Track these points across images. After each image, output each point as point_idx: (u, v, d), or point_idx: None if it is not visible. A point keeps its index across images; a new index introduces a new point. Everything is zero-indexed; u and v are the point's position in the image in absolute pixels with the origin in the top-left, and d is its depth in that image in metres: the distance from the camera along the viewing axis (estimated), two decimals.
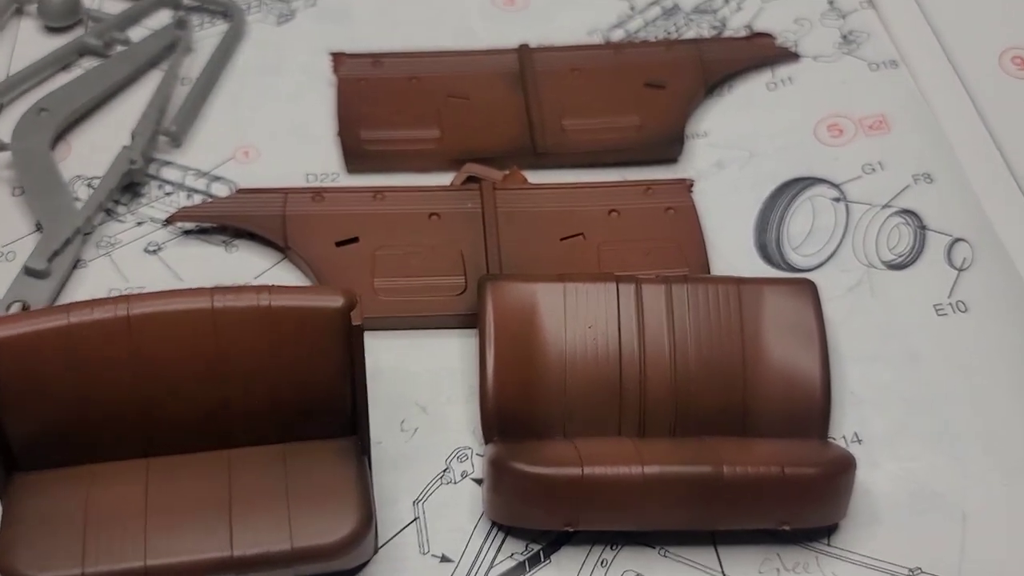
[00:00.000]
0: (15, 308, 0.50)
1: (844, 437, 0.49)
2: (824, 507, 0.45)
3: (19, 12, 0.63)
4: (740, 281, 0.50)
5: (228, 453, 0.44)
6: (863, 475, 0.48)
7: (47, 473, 0.44)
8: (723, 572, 0.46)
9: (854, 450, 0.49)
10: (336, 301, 0.43)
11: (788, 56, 0.62)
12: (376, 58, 0.61)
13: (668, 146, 0.58)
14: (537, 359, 0.48)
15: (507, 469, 0.44)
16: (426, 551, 0.46)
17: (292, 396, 0.44)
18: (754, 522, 0.45)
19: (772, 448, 0.46)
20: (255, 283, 0.53)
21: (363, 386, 0.44)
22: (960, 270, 0.54)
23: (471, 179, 0.57)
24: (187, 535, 0.42)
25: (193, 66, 0.61)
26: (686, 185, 0.56)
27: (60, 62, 0.60)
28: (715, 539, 0.47)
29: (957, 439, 0.49)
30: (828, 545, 0.47)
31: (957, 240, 0.54)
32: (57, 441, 0.43)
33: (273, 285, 0.43)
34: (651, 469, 0.44)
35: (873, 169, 0.57)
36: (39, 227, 0.53)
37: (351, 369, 0.44)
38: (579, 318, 0.49)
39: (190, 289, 0.43)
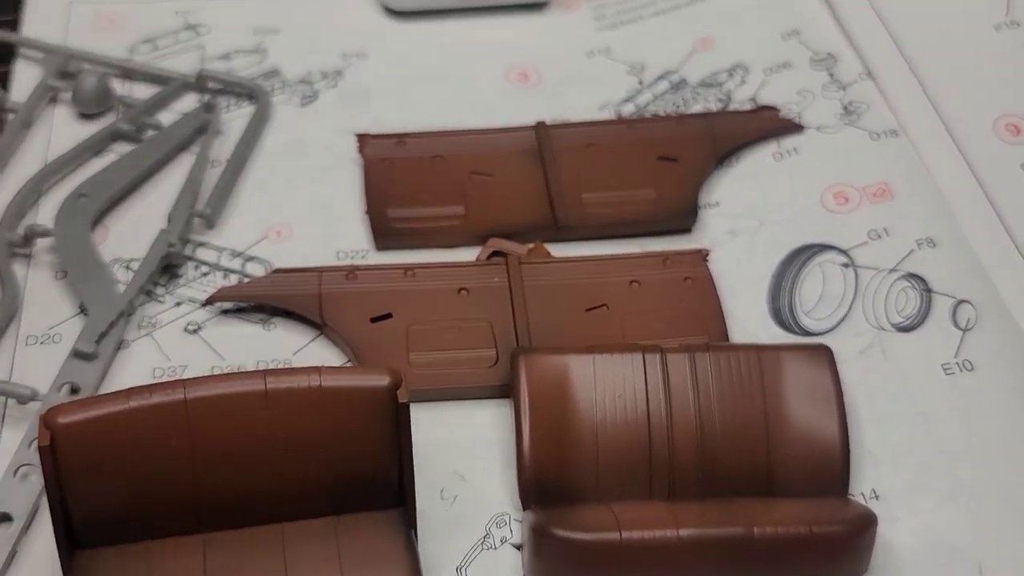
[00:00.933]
0: (65, 391, 0.52)
1: (863, 494, 0.52)
2: (849, 563, 0.48)
3: (53, 100, 0.66)
4: (759, 348, 0.53)
5: (282, 527, 0.46)
6: (882, 530, 0.50)
7: (108, 550, 0.45)
8: None
9: (873, 506, 0.51)
10: (383, 380, 0.46)
11: (792, 127, 0.65)
12: (400, 138, 0.63)
13: (683, 217, 0.61)
14: (570, 427, 0.50)
15: (549, 535, 0.47)
16: None
17: (342, 471, 0.46)
18: None
19: (797, 508, 0.49)
20: (294, 360, 0.55)
21: (410, 460, 0.46)
22: (965, 330, 0.56)
23: (496, 254, 0.59)
24: None
25: (222, 148, 0.64)
26: (702, 255, 0.59)
27: (95, 148, 0.63)
28: None
29: (972, 493, 0.51)
30: None
31: (961, 302, 0.57)
32: (117, 520, 0.45)
33: (323, 367, 0.46)
34: (686, 532, 0.46)
35: (879, 235, 0.60)
36: (83, 310, 0.56)
37: (398, 444, 0.46)
38: (608, 388, 0.51)
39: (244, 372, 0.46)
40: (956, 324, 0.56)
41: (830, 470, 0.51)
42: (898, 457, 0.53)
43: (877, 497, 0.52)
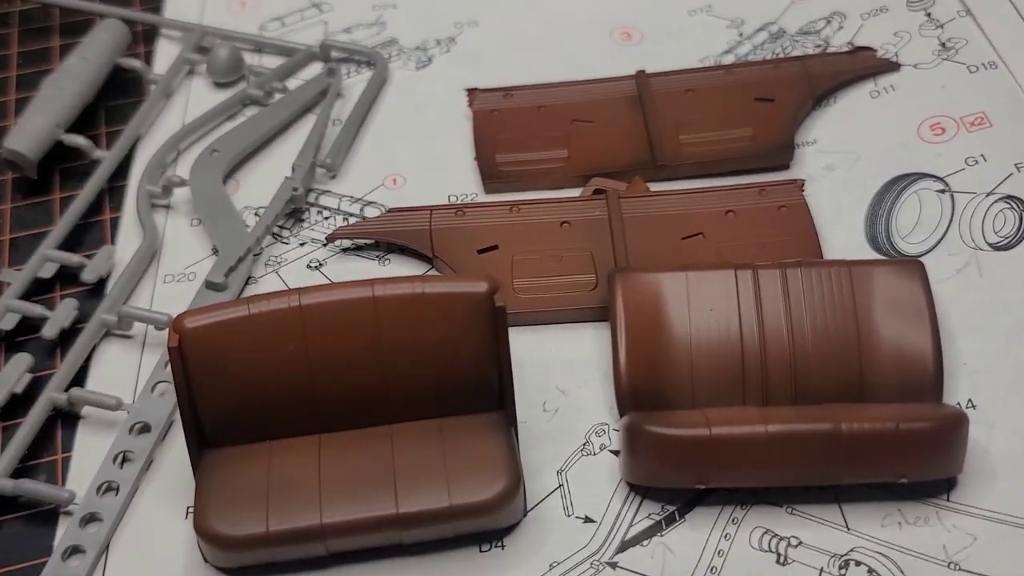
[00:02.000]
0: None
1: (959, 403, 0.52)
2: (939, 460, 0.49)
3: (191, 72, 0.71)
4: (851, 264, 0.54)
5: (391, 428, 0.50)
6: (979, 436, 0.51)
7: (233, 449, 0.50)
8: (847, 526, 0.49)
9: (970, 415, 0.51)
10: (481, 287, 0.49)
11: (889, 66, 0.66)
12: (507, 91, 0.67)
13: (780, 153, 0.63)
14: (664, 340, 0.53)
15: (642, 432, 0.49)
16: (570, 513, 0.50)
17: (445, 374, 0.50)
18: (873, 476, 0.49)
19: (887, 409, 0.50)
20: None
21: (508, 362, 0.49)
22: None
23: (598, 192, 0.62)
24: (357, 497, 0.47)
25: (343, 109, 0.68)
26: (797, 185, 0.60)
27: (227, 111, 0.68)
28: (838, 496, 0.50)
29: None
30: (948, 500, 0.49)
31: None
32: (240, 420, 0.49)
33: (426, 275, 0.49)
34: (774, 428, 0.48)
35: (976, 162, 0.61)
36: (215, 251, 0.60)
37: (496, 347, 0.49)
38: (701, 303, 0.53)
39: (353, 281, 0.49)
40: None
41: (922, 378, 0.52)
42: (993, 367, 0.53)
43: (973, 406, 0.52)
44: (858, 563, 0.48)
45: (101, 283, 0.60)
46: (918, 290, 0.53)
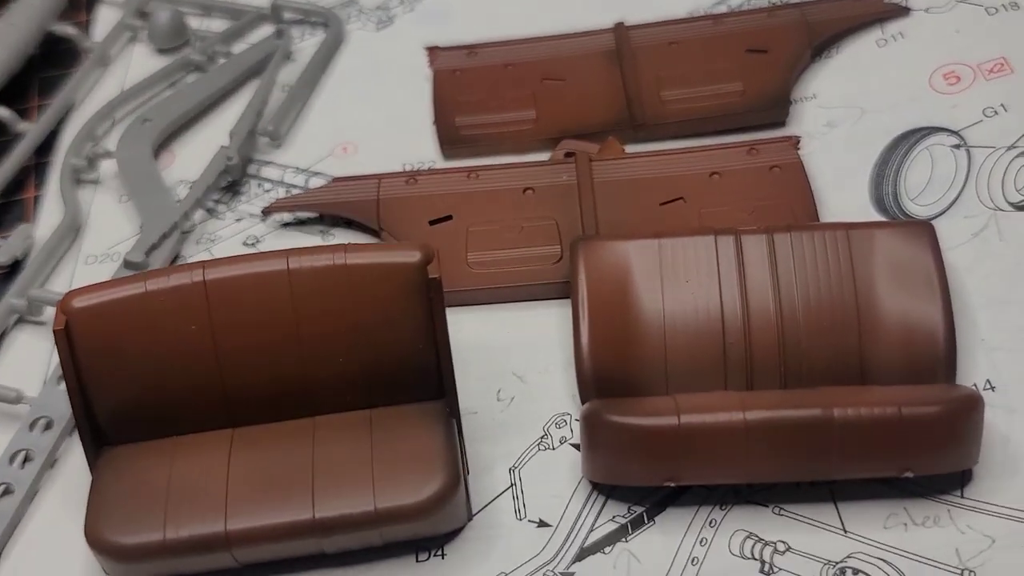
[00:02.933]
0: None
1: (975, 385, 0.45)
2: (950, 451, 0.41)
3: (133, 40, 0.65)
4: (849, 226, 0.47)
5: (313, 421, 0.44)
6: (998, 422, 0.44)
7: (133, 446, 0.43)
8: (844, 529, 0.42)
9: (988, 397, 0.45)
10: (413, 256, 0.42)
11: (898, 11, 0.59)
12: (471, 48, 0.61)
13: (774, 109, 0.56)
14: (634, 317, 0.46)
15: (602, 422, 0.42)
16: (523, 517, 0.44)
17: (374, 358, 0.43)
18: (873, 470, 0.42)
19: (889, 392, 0.43)
20: None
21: (446, 343, 0.43)
22: None
23: (569, 155, 0.55)
24: (268, 500, 0.41)
25: (292, 74, 0.62)
26: (792, 142, 0.54)
27: (167, 78, 0.62)
28: (834, 494, 0.43)
29: None
30: (961, 497, 0.42)
31: None
32: (141, 414, 0.43)
33: (349, 244, 0.43)
34: (754, 415, 0.41)
35: (995, 112, 0.53)
36: (142, 229, 0.54)
37: (433, 327, 0.43)
38: (676, 273, 0.46)
39: (266, 252, 0.43)
40: None
41: (932, 357, 0.44)
42: (1017, 344, 0.46)
43: (992, 388, 0.45)
44: (856, 571, 0.41)
45: (17, 265, 0.54)
46: (927, 255, 0.46)
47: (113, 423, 0.43)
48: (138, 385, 0.43)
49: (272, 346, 0.43)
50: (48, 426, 0.47)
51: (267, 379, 0.43)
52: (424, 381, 0.44)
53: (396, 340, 0.43)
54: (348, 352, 0.43)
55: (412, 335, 0.43)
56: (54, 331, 0.41)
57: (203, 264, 0.42)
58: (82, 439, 0.43)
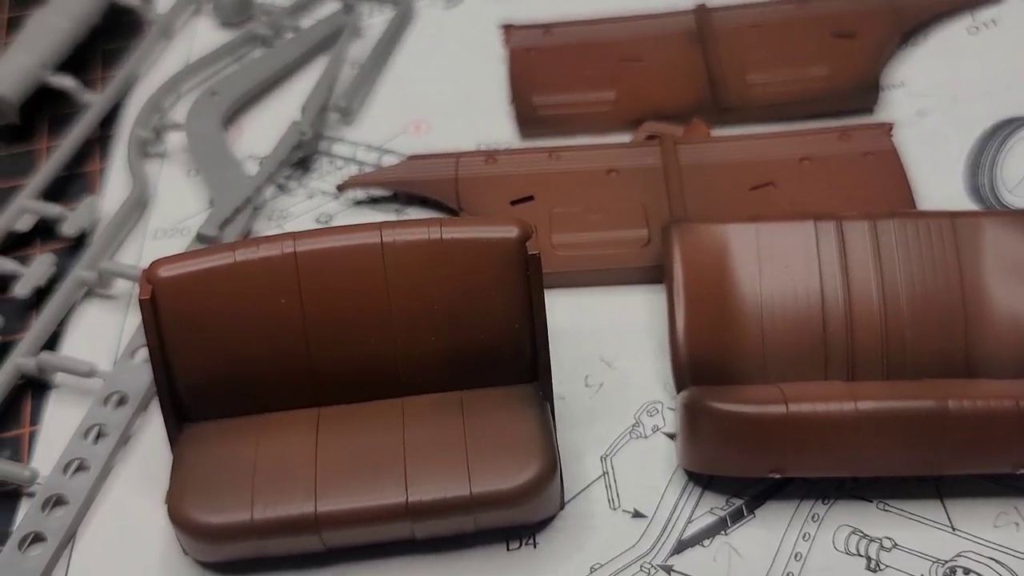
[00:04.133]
0: None
1: None
2: None
3: (197, 12, 0.64)
4: (953, 215, 0.45)
5: (402, 401, 0.42)
6: None
7: (217, 423, 0.42)
8: (952, 527, 0.41)
9: None
10: (511, 231, 0.41)
11: None
12: (547, 28, 0.59)
13: (862, 95, 0.54)
14: (731, 304, 0.44)
15: (705, 409, 0.40)
16: (616, 507, 0.42)
17: (468, 337, 0.42)
18: (986, 465, 0.40)
19: (1003, 385, 0.41)
20: None
21: (543, 324, 0.41)
22: None
23: (651, 138, 0.54)
24: (359, 482, 0.39)
25: (362, 51, 0.60)
26: (885, 129, 0.52)
27: (233, 52, 0.60)
28: (941, 490, 0.41)
29: None
30: None
31: None
32: (225, 389, 0.42)
33: (444, 217, 0.41)
34: (865, 405, 0.39)
35: None
36: (212, 204, 0.53)
37: (529, 306, 0.41)
38: (775, 260, 0.45)
39: (359, 224, 0.41)
40: None
41: None
42: None
43: None
44: (967, 571, 0.40)
45: (84, 238, 0.52)
46: None
47: (196, 398, 0.42)
48: (223, 359, 0.41)
49: (362, 322, 0.41)
50: (122, 401, 0.46)
51: (356, 357, 0.41)
52: (518, 363, 0.42)
53: (491, 319, 0.41)
54: (441, 331, 0.41)
55: (508, 314, 0.41)
56: (140, 300, 0.40)
57: (293, 235, 0.41)
58: (164, 414, 0.41)
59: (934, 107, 0.54)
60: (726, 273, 0.45)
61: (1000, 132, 0.52)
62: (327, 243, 0.41)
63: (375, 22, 0.62)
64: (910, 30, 0.57)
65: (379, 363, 0.42)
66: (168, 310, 0.40)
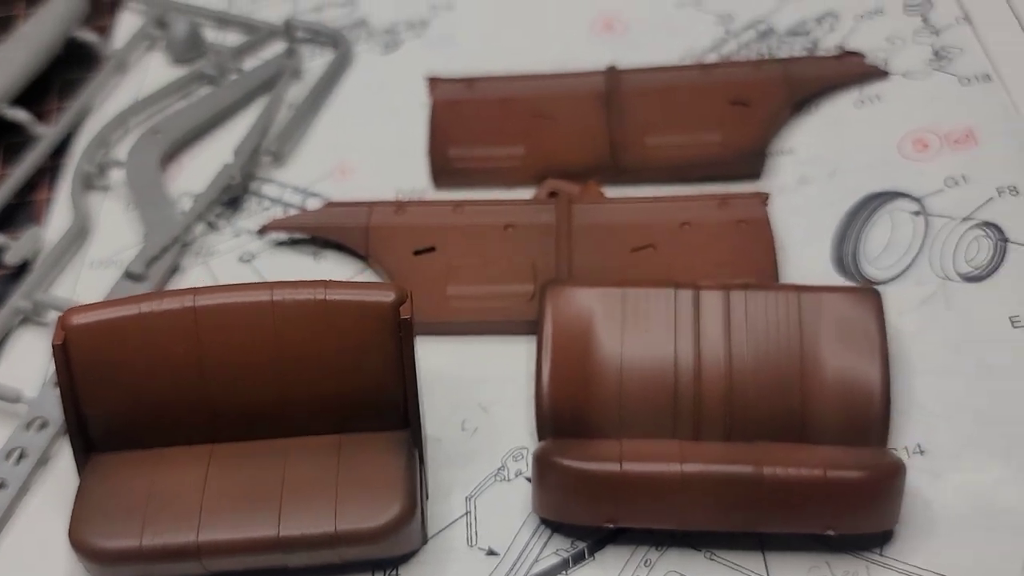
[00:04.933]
0: None
1: (907, 448, 0.48)
2: (870, 513, 0.45)
3: (151, 48, 0.68)
4: (800, 289, 0.50)
5: (287, 442, 0.47)
6: (924, 486, 0.47)
7: (120, 455, 0.47)
8: None
9: (916, 461, 0.48)
10: (388, 296, 0.46)
11: (877, 73, 0.61)
12: (470, 81, 0.63)
13: (750, 162, 0.59)
14: (593, 362, 0.49)
15: (550, 464, 0.45)
16: (474, 544, 0.47)
17: (347, 388, 0.46)
18: (798, 526, 0.45)
19: (820, 452, 0.46)
20: None
21: (413, 380, 0.46)
22: None
23: (553, 194, 0.58)
24: (239, 515, 0.44)
25: (300, 92, 0.65)
26: (761, 198, 0.56)
27: (180, 90, 0.65)
28: (763, 544, 0.46)
29: None
30: (880, 555, 0.46)
31: None
32: (129, 425, 0.47)
33: (330, 280, 0.46)
34: (690, 467, 0.44)
35: (956, 183, 0.56)
36: (145, 240, 0.58)
37: (402, 363, 0.46)
38: (637, 323, 0.50)
39: (252, 283, 0.46)
40: None
41: (867, 420, 0.47)
42: (951, 412, 0.49)
43: (922, 452, 0.48)
44: None
45: (25, 266, 0.57)
46: (871, 321, 0.49)
47: (102, 432, 0.47)
48: (127, 399, 0.46)
49: (253, 370, 0.46)
50: (43, 426, 0.51)
51: (247, 400, 0.46)
52: (392, 412, 0.47)
53: (368, 373, 0.46)
54: (323, 381, 0.46)
55: (382, 369, 0.46)
56: (53, 345, 0.45)
57: (194, 291, 0.46)
58: (72, 445, 0.46)
59: (815, 176, 0.58)
60: (592, 333, 0.49)
61: (869, 205, 0.57)
62: (223, 299, 0.46)
63: (316, 65, 0.67)
64: (802, 100, 0.61)
65: (268, 407, 0.47)
66: (78, 353, 0.45)
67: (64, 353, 0.45)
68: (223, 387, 0.46)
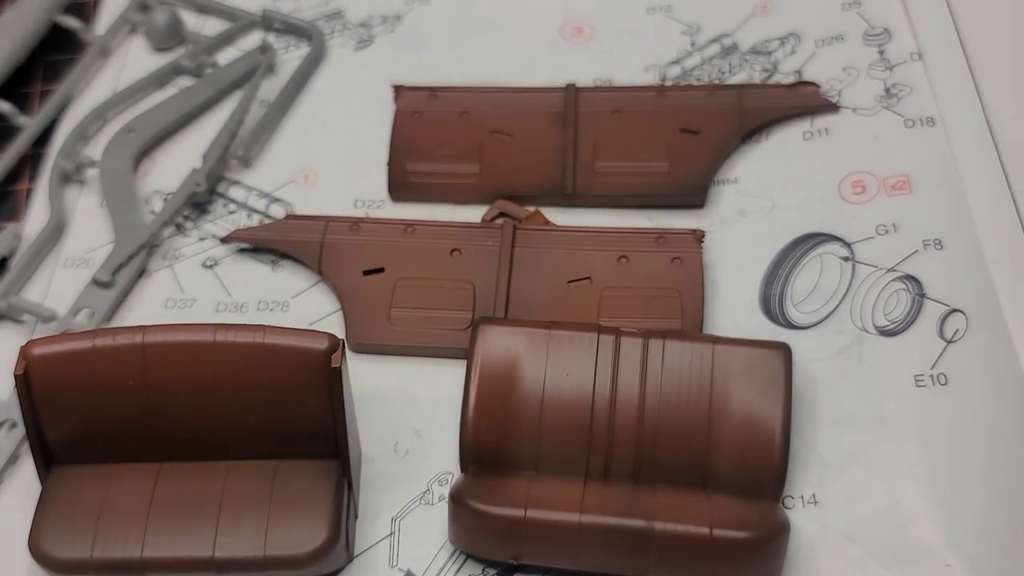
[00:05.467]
0: (83, 314, 0.58)
1: (802, 497, 0.52)
2: (753, 571, 0.49)
3: (133, 31, 0.71)
4: (716, 340, 0.53)
5: (227, 464, 0.51)
6: (812, 536, 0.51)
7: (79, 468, 0.51)
8: None
9: (809, 511, 0.52)
10: (321, 344, 0.49)
11: (828, 107, 0.63)
12: (433, 92, 0.66)
13: (693, 193, 0.61)
14: (516, 399, 0.53)
15: (463, 504, 0.50)
16: (394, 564, 0.52)
17: (283, 420, 0.50)
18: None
19: (714, 507, 0.50)
20: (292, 303, 0.60)
21: (343, 418, 0.50)
22: (949, 342, 0.55)
23: (502, 215, 0.61)
24: (179, 533, 0.49)
25: (274, 88, 0.67)
26: (697, 236, 0.59)
27: (158, 82, 0.68)
28: None
29: (910, 510, 0.51)
30: None
31: (954, 311, 0.55)
32: (86, 443, 0.51)
33: (269, 326, 0.50)
34: (588, 518, 0.48)
35: (887, 231, 0.58)
36: (114, 245, 0.61)
37: (332, 403, 0.50)
38: (559, 364, 0.53)
39: (198, 324, 0.50)
40: (942, 335, 0.55)
41: (764, 471, 0.51)
42: (847, 463, 0.53)
43: (816, 502, 0.52)
44: None
45: (3, 263, 0.61)
46: (778, 377, 0.52)
47: (61, 448, 0.51)
48: (83, 420, 0.50)
49: (197, 401, 0.50)
50: (13, 426, 0.55)
51: (191, 426, 0.51)
52: (324, 442, 0.51)
53: (302, 408, 0.50)
54: (260, 413, 0.50)
55: (316, 406, 0.50)
56: (14, 375, 0.49)
57: (144, 329, 0.50)
58: (34, 459, 0.51)
59: (755, 209, 0.61)
60: (516, 371, 0.53)
61: (802, 245, 0.59)
62: (169, 337, 0.49)
63: (290, 58, 0.69)
64: (752, 130, 0.63)
65: (210, 433, 0.51)
66: (38, 380, 0.49)
67: (26, 382, 0.49)
68: (170, 414, 0.50)
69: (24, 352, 0.49)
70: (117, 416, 0.50)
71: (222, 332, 0.50)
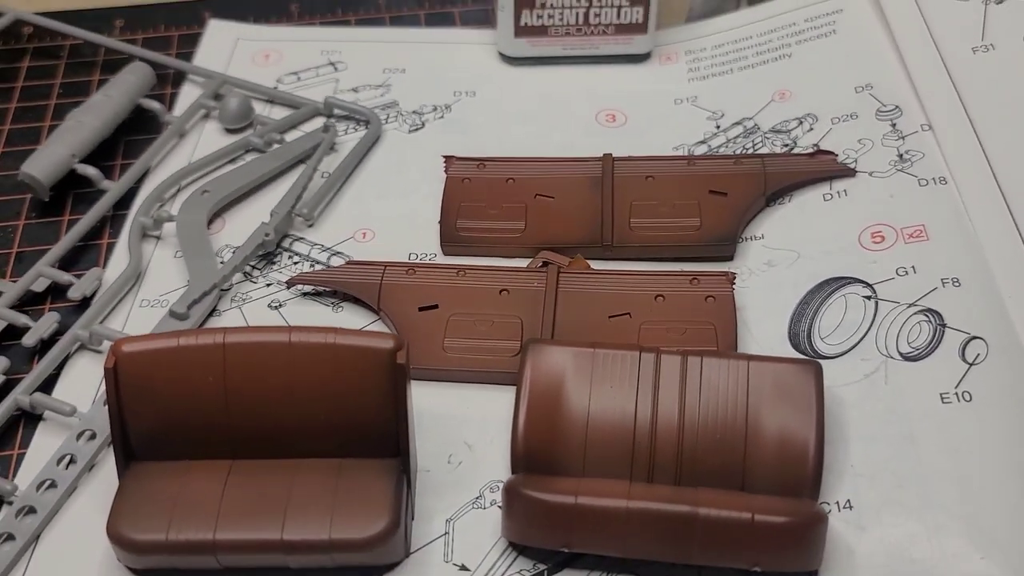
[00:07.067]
0: None
1: (838, 503, 0.55)
2: (793, 555, 0.51)
3: (206, 116, 0.78)
4: (750, 358, 0.57)
5: (296, 461, 0.55)
6: (849, 535, 0.54)
7: (155, 464, 0.55)
8: None
9: (845, 515, 0.54)
10: (387, 344, 0.53)
11: (846, 172, 0.69)
12: (481, 162, 0.72)
13: (722, 246, 0.66)
14: (563, 410, 0.56)
15: (516, 494, 0.53)
16: (449, 560, 0.54)
17: (349, 419, 0.54)
18: (727, 561, 0.52)
19: (754, 500, 0.53)
20: None
21: (405, 416, 0.54)
22: (972, 364, 0.58)
23: (546, 263, 0.66)
24: (250, 520, 0.52)
25: (333, 162, 0.74)
26: (728, 277, 0.64)
27: (229, 155, 0.74)
28: (701, 574, 0.53)
29: (940, 514, 0.54)
30: None
31: (973, 338, 0.59)
32: (164, 439, 0.54)
33: (339, 328, 0.54)
34: (635, 504, 0.51)
35: (906, 272, 0.63)
36: (189, 285, 0.66)
37: (395, 401, 0.54)
38: (604, 380, 0.57)
39: (274, 327, 0.54)
40: (964, 358, 0.59)
41: (800, 475, 0.54)
42: (877, 474, 0.56)
43: (851, 507, 0.55)
44: None
45: (86, 301, 0.66)
46: (810, 389, 0.56)
47: (141, 443, 0.55)
48: (163, 416, 0.54)
49: (270, 399, 0.54)
50: (92, 437, 0.59)
51: (264, 424, 0.54)
52: (386, 442, 0.55)
53: (367, 407, 0.54)
54: (329, 412, 0.54)
55: (380, 405, 0.54)
56: (104, 368, 0.53)
57: (224, 330, 0.54)
58: (115, 452, 0.54)
59: (781, 260, 0.66)
60: (564, 386, 0.57)
61: (826, 288, 0.64)
62: (247, 338, 0.54)
63: (349, 139, 0.76)
64: (775, 193, 0.69)
65: (281, 431, 0.54)
66: (125, 376, 0.53)
67: (114, 375, 0.53)
68: (244, 412, 0.54)
69: (115, 348, 0.53)
70: (195, 411, 0.54)
71: (296, 333, 0.54)
